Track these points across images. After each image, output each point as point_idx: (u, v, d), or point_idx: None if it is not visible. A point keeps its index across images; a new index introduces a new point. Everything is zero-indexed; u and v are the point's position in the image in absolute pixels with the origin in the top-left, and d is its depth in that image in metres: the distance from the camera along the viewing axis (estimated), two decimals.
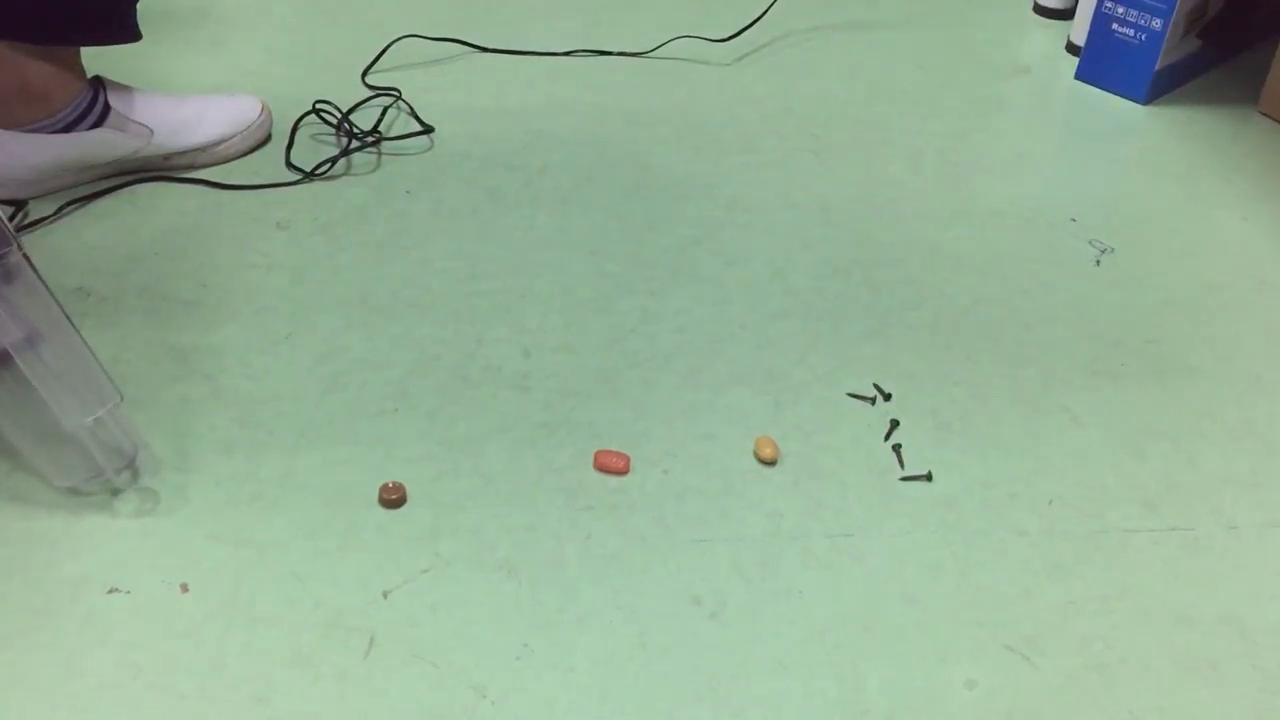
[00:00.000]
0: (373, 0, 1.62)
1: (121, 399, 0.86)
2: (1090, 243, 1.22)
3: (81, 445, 0.85)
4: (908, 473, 0.93)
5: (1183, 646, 0.81)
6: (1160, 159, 1.39)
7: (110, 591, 0.80)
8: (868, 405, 0.99)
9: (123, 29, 1.16)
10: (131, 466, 0.89)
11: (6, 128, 1.13)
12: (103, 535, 0.84)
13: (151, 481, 0.89)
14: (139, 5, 1.17)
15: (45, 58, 1.12)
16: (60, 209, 1.16)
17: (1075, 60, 1.56)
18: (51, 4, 1.09)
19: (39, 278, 0.81)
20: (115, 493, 0.88)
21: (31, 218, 1.15)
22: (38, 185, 1.17)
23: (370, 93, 1.38)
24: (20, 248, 0.80)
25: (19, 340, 0.80)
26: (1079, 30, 1.57)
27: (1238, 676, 0.79)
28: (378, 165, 1.28)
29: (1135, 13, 1.46)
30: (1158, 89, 1.49)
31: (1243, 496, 0.93)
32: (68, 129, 1.15)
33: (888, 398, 1.00)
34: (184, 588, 0.81)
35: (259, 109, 1.28)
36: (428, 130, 1.34)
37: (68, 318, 0.83)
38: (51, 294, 0.82)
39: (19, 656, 0.76)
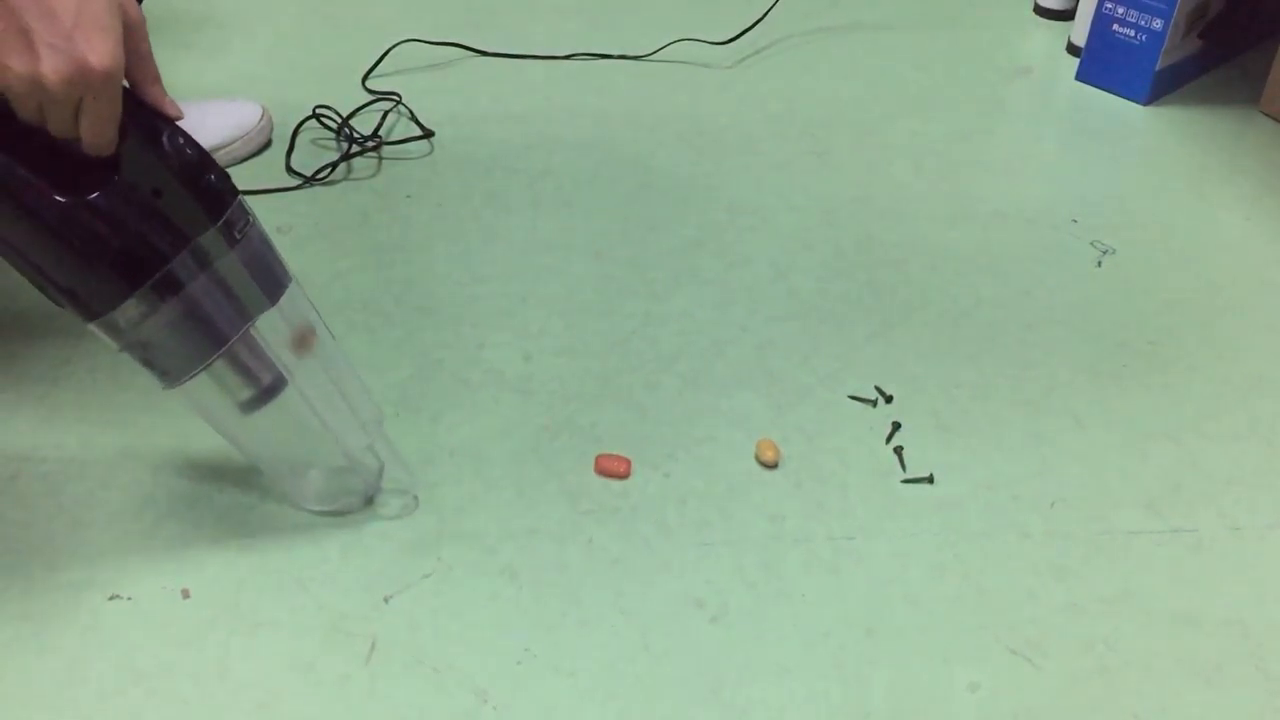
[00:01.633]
0: (373, 4, 1.62)
1: (383, 416, 0.86)
2: (1092, 244, 1.22)
3: (346, 467, 0.85)
4: (909, 475, 0.93)
5: (1186, 648, 0.81)
6: (1162, 159, 1.39)
7: (111, 598, 0.80)
8: (869, 407, 0.99)
9: None
10: (380, 477, 0.87)
11: None
12: (103, 541, 0.84)
13: (400, 491, 0.88)
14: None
15: None
16: None
17: (1076, 61, 1.56)
18: None
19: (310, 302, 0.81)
20: (369, 502, 0.88)
21: None
22: None
23: (371, 97, 1.38)
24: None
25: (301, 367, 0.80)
26: (1079, 31, 1.57)
27: (1241, 678, 0.79)
28: (378, 170, 1.28)
29: (1135, 13, 1.45)
30: (1159, 89, 1.49)
31: (1246, 498, 0.93)
32: None
33: (889, 400, 1.00)
34: (185, 593, 0.81)
35: (259, 114, 1.28)
36: (428, 134, 1.34)
37: (332, 335, 0.83)
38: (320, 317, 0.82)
39: (21, 663, 0.76)
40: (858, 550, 0.87)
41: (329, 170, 1.26)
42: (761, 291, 1.13)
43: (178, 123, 0.72)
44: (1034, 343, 1.08)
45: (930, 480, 0.93)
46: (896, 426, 0.97)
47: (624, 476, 0.91)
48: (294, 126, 1.31)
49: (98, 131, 0.67)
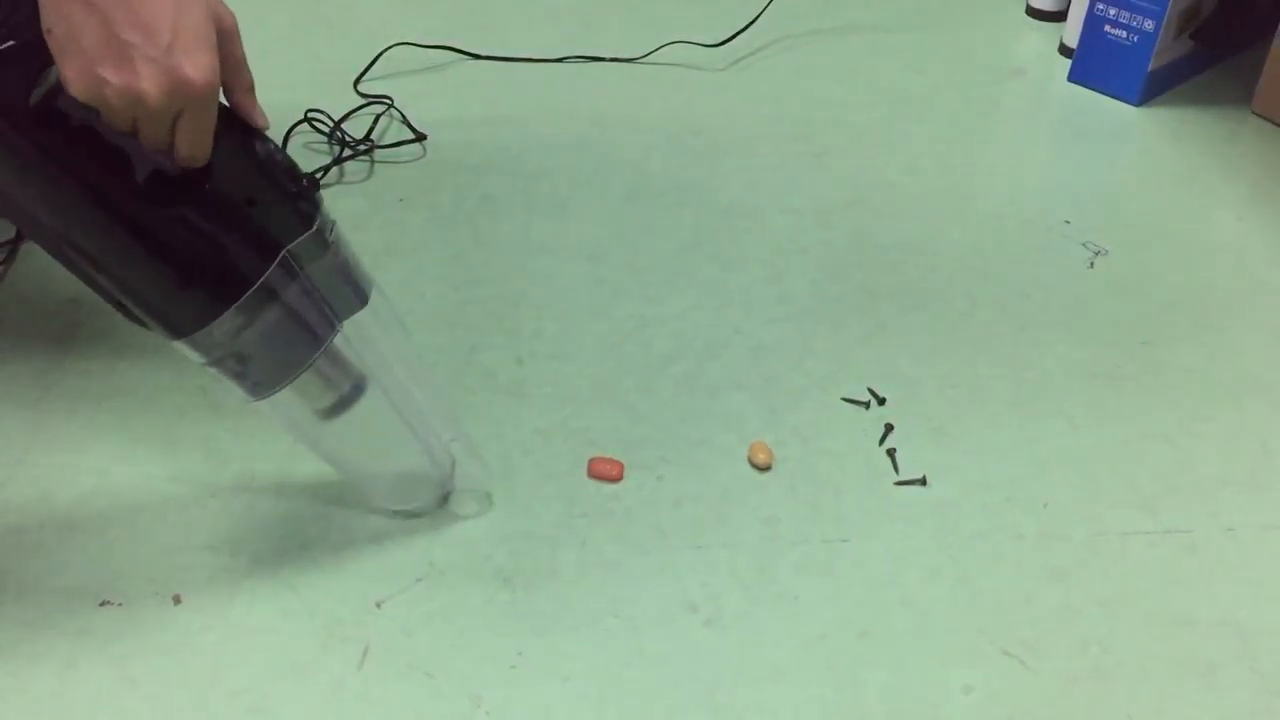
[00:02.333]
0: (364, 8, 1.62)
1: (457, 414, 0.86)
2: (1084, 244, 1.22)
3: (421, 464, 0.84)
4: (903, 477, 0.93)
5: (1181, 649, 0.81)
6: (1154, 160, 1.39)
7: (103, 604, 0.80)
8: (863, 409, 0.99)
9: None
10: (451, 483, 0.87)
11: None
12: (94, 547, 0.84)
13: (466, 489, 0.88)
14: None
15: None
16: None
17: (1068, 62, 1.56)
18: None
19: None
20: (444, 501, 0.88)
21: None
22: None
23: (363, 101, 1.38)
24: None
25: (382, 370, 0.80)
26: (1071, 32, 1.57)
27: (1236, 679, 0.79)
28: (370, 173, 1.28)
29: (1127, 14, 1.45)
30: (1151, 90, 1.49)
31: (1240, 498, 0.93)
32: None
33: (882, 402, 1.00)
34: (177, 599, 0.81)
35: None
36: (420, 138, 1.33)
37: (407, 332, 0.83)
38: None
39: (12, 670, 0.76)
40: (852, 553, 0.87)
41: (321, 174, 1.26)
42: (756, 294, 1.13)
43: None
44: (1027, 344, 1.08)
45: (924, 482, 0.93)
46: (890, 428, 0.97)
47: (617, 480, 0.91)
48: (286, 130, 1.30)
49: (194, 143, 0.66)
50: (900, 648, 0.80)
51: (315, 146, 1.30)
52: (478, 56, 1.52)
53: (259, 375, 0.74)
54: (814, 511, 0.90)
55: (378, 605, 0.81)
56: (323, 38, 1.54)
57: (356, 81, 1.43)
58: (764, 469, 0.93)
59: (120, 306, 0.72)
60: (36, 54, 0.64)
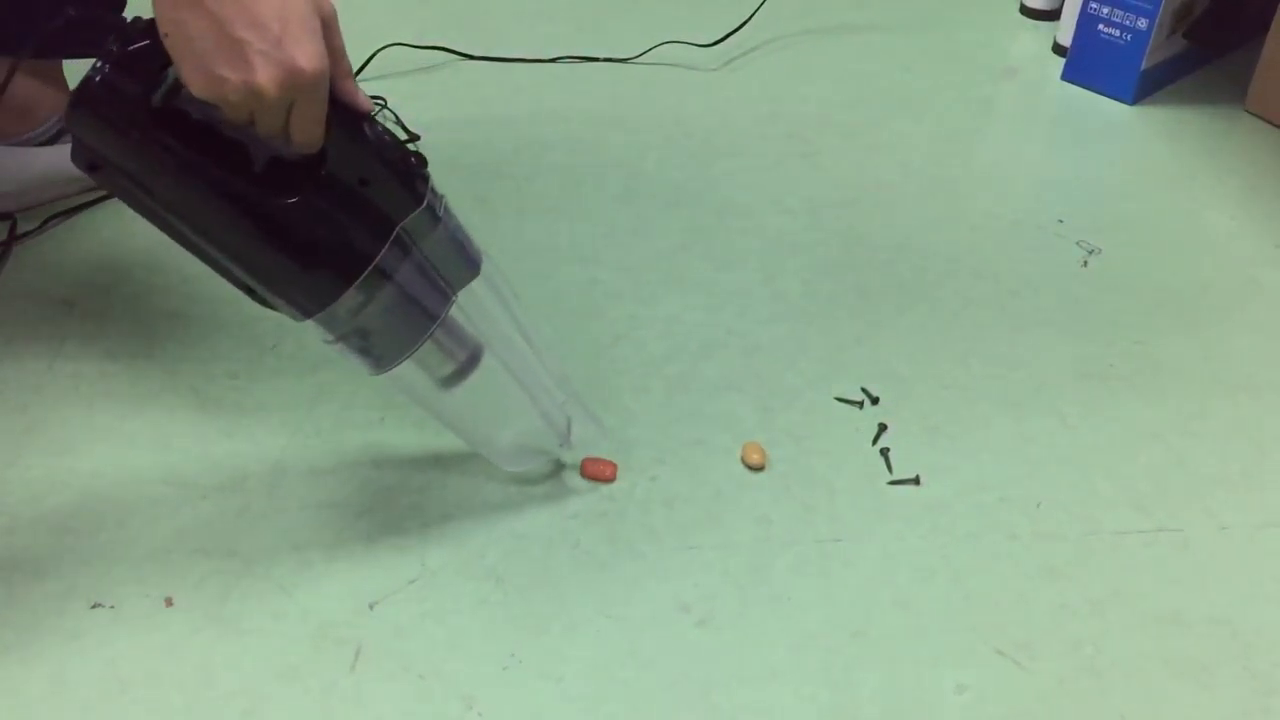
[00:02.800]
0: (357, 9, 1.61)
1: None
2: (1078, 244, 1.22)
3: (538, 426, 0.86)
4: (896, 477, 0.93)
5: (1174, 649, 0.81)
6: (1148, 159, 1.39)
7: (94, 606, 0.80)
8: (857, 409, 0.99)
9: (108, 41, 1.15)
10: (568, 440, 0.88)
11: None
12: (86, 550, 0.84)
13: (583, 448, 0.90)
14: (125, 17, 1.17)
15: (28, 70, 1.11)
16: (45, 222, 1.15)
17: (1062, 61, 1.56)
18: (31, 15, 1.08)
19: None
20: (560, 467, 0.91)
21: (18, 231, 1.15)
22: (23, 198, 1.16)
23: None
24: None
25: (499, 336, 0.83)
26: (1065, 31, 1.57)
27: (1229, 678, 0.79)
28: None
29: (1121, 13, 1.46)
30: (1145, 89, 1.50)
31: (1233, 497, 0.93)
32: (51, 141, 1.15)
33: (875, 401, 1.00)
34: (169, 601, 0.80)
35: None
36: (414, 139, 1.33)
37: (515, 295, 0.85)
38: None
39: (4, 673, 0.76)
40: (845, 553, 0.87)
41: None
42: (749, 294, 1.12)
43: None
44: (1021, 343, 1.08)
45: (917, 482, 0.92)
46: (883, 428, 0.97)
47: (610, 480, 0.91)
48: None
49: (308, 130, 0.69)
50: (894, 648, 0.80)
51: None
52: (471, 57, 1.52)
53: (382, 349, 0.77)
54: (807, 512, 0.90)
55: (370, 607, 0.81)
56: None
57: None
58: (758, 469, 0.93)
59: (249, 290, 0.75)
60: (155, 56, 0.67)
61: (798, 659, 0.79)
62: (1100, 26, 1.48)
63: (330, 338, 0.76)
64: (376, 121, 0.73)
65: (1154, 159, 1.39)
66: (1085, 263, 1.19)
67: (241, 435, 0.94)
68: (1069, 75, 1.54)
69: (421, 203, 0.75)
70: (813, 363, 1.04)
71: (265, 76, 0.64)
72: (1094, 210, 1.28)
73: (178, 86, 0.69)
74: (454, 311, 0.78)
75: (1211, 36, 1.55)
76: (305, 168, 0.71)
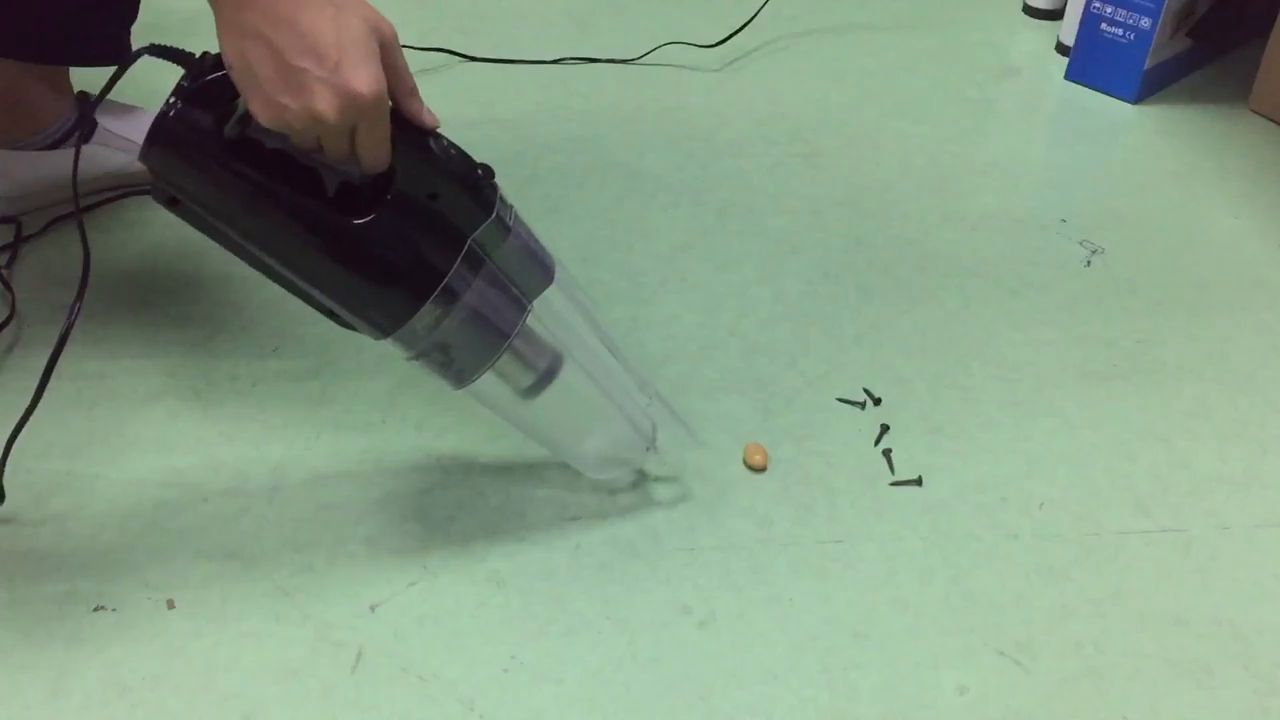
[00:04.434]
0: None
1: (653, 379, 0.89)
2: (1081, 243, 1.22)
3: (624, 432, 0.87)
4: (898, 478, 0.93)
5: (1175, 649, 0.80)
6: (1151, 158, 1.39)
7: (96, 609, 0.80)
8: (858, 410, 0.99)
9: (116, 51, 1.15)
10: (653, 444, 0.88)
11: None
12: (87, 553, 0.84)
13: (670, 453, 0.90)
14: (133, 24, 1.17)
15: (34, 75, 1.12)
16: (48, 225, 1.16)
17: (1065, 60, 1.56)
18: (45, 23, 1.09)
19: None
20: (644, 475, 0.91)
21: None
22: (25, 202, 1.17)
23: None
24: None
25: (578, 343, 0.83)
26: (1068, 30, 1.57)
27: (1231, 679, 0.79)
28: None
29: (1124, 12, 1.45)
30: (1148, 88, 1.49)
31: (1235, 497, 0.92)
32: (54, 146, 1.15)
33: (877, 402, 1.00)
34: (170, 604, 0.81)
35: None
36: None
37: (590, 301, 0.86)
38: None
39: (5, 677, 0.76)
40: (846, 554, 0.87)
41: None
42: (750, 295, 1.12)
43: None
44: (1022, 343, 1.08)
45: (919, 483, 0.92)
46: (885, 429, 0.97)
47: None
48: None
49: (373, 151, 0.70)
50: (894, 649, 0.80)
51: None
52: (472, 59, 1.52)
53: (462, 363, 0.78)
54: (808, 513, 0.89)
55: (371, 609, 0.81)
56: None
57: None
58: (759, 470, 0.93)
59: (330, 313, 0.77)
60: (225, 88, 0.69)
61: (798, 660, 0.79)
62: (1103, 25, 1.48)
63: (410, 354, 0.77)
64: (442, 136, 0.74)
65: (1157, 158, 1.39)
66: (1088, 262, 1.19)
67: (242, 438, 0.94)
68: (1072, 74, 1.54)
69: (491, 213, 0.75)
70: (813, 363, 1.04)
71: (325, 103, 0.66)
72: (1097, 209, 1.28)
73: (248, 117, 0.70)
74: (531, 321, 0.79)
75: (1215, 35, 1.55)
76: (375, 188, 0.72)
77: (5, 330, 1.03)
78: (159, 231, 1.17)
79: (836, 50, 1.60)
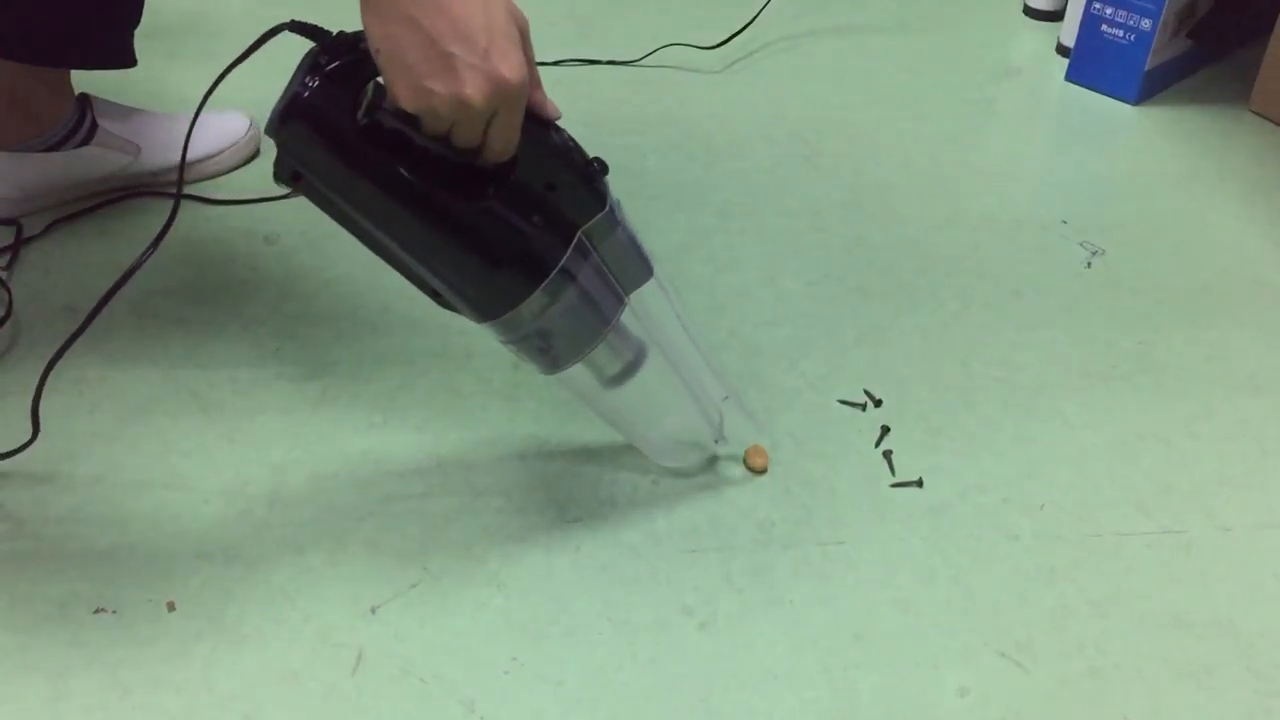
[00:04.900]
0: (359, 17, 1.61)
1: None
2: (1081, 244, 1.22)
3: (696, 422, 0.89)
4: (899, 479, 0.93)
5: (1176, 650, 0.80)
6: (1152, 159, 1.39)
7: (97, 611, 0.80)
8: (859, 411, 0.99)
9: (119, 54, 1.16)
10: (721, 435, 0.90)
11: None
12: (88, 555, 0.84)
13: (737, 442, 0.92)
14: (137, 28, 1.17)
15: (36, 77, 1.12)
16: (48, 226, 1.16)
17: (1066, 61, 1.56)
18: (50, 27, 1.09)
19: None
20: (713, 460, 0.93)
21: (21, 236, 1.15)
22: (26, 204, 1.17)
23: None
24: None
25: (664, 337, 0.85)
26: (1069, 31, 1.57)
27: (1232, 680, 0.79)
28: None
29: (1124, 13, 1.45)
30: (1148, 89, 1.49)
31: (1236, 498, 0.92)
32: (54, 147, 1.15)
33: (878, 404, 1.00)
34: (171, 606, 0.81)
35: (247, 125, 1.28)
36: None
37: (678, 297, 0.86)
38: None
39: (5, 678, 0.76)
40: (847, 555, 0.86)
41: None
42: (750, 296, 1.12)
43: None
44: (1023, 344, 1.07)
45: (919, 484, 0.92)
46: (886, 430, 0.97)
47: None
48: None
49: (506, 139, 0.71)
50: (895, 650, 0.80)
51: None
52: None
53: (559, 350, 0.79)
54: (808, 515, 0.89)
55: (372, 611, 0.81)
56: None
57: None
58: (760, 472, 0.93)
59: (435, 295, 0.78)
60: (360, 71, 0.69)
61: (799, 661, 0.79)
62: (1103, 27, 1.48)
63: (511, 338, 0.78)
64: (561, 128, 0.75)
65: (1158, 159, 1.39)
66: (1089, 263, 1.19)
67: (243, 440, 0.94)
68: (1072, 75, 1.54)
69: (604, 206, 0.77)
70: (814, 364, 1.04)
71: (473, 88, 0.66)
72: (1097, 211, 1.28)
73: (377, 100, 0.71)
74: (623, 314, 0.81)
75: (1215, 36, 1.55)
76: (495, 174, 0.73)
77: (2, 331, 1.03)
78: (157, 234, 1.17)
79: (837, 51, 1.60)
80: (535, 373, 0.82)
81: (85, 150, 1.16)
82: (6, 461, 0.89)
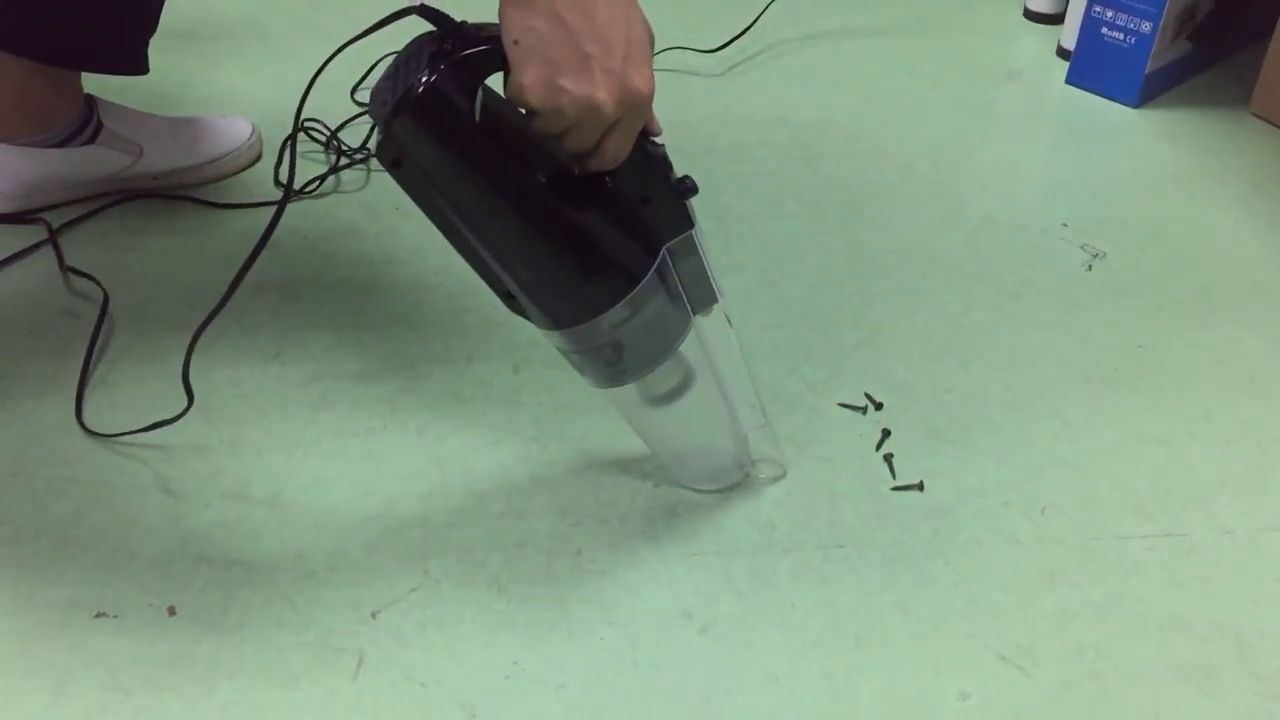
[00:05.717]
0: (360, 16, 1.61)
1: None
2: (1082, 247, 1.22)
3: (729, 449, 0.90)
4: (899, 482, 0.93)
5: (1178, 653, 0.80)
6: (1152, 162, 1.39)
7: (97, 615, 0.80)
8: (860, 414, 0.99)
9: (133, 61, 1.17)
10: (749, 460, 0.91)
11: None
12: (89, 559, 0.84)
13: (761, 472, 0.92)
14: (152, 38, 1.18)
15: (48, 76, 1.13)
16: (51, 232, 1.16)
17: (1066, 64, 1.56)
18: (68, 29, 1.10)
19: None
20: (751, 481, 0.92)
21: (23, 242, 1.15)
22: (25, 199, 1.17)
23: (359, 109, 1.38)
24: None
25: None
26: (1069, 34, 1.57)
27: (1233, 683, 0.78)
28: (367, 182, 1.28)
29: (1125, 16, 1.45)
30: (1149, 92, 1.49)
31: (1237, 500, 0.92)
32: (60, 145, 1.16)
33: (879, 407, 1.00)
34: (171, 610, 0.81)
35: (250, 131, 1.28)
36: None
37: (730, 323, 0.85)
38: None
39: (7, 683, 0.76)
40: (847, 559, 0.86)
41: (318, 183, 1.26)
42: (751, 299, 1.12)
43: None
44: (1024, 347, 1.07)
45: (920, 487, 0.92)
46: (886, 433, 0.97)
47: None
48: (282, 139, 1.30)
49: (620, 148, 0.70)
50: (896, 654, 0.80)
51: (311, 155, 1.30)
52: None
53: (628, 363, 0.79)
54: (809, 518, 0.89)
55: (372, 615, 0.81)
56: (319, 46, 1.53)
57: (354, 90, 1.42)
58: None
59: (508, 296, 0.78)
60: (483, 64, 0.68)
61: (799, 665, 0.79)
62: (1104, 29, 1.48)
63: (582, 348, 0.78)
64: (659, 143, 0.74)
65: (1158, 162, 1.39)
66: (1089, 266, 1.19)
67: (243, 443, 0.94)
68: (1073, 78, 1.54)
69: (692, 226, 0.76)
70: (815, 368, 1.04)
71: (605, 92, 0.66)
72: (1098, 213, 1.28)
73: (486, 100, 0.70)
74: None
75: (1215, 39, 1.55)
76: (596, 182, 0.72)
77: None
78: (160, 238, 1.18)
79: (838, 55, 1.61)
80: (587, 385, 0.81)
81: (89, 149, 1.17)
82: (6, 466, 0.90)
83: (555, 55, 0.65)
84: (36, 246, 1.14)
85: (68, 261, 1.12)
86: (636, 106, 0.68)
